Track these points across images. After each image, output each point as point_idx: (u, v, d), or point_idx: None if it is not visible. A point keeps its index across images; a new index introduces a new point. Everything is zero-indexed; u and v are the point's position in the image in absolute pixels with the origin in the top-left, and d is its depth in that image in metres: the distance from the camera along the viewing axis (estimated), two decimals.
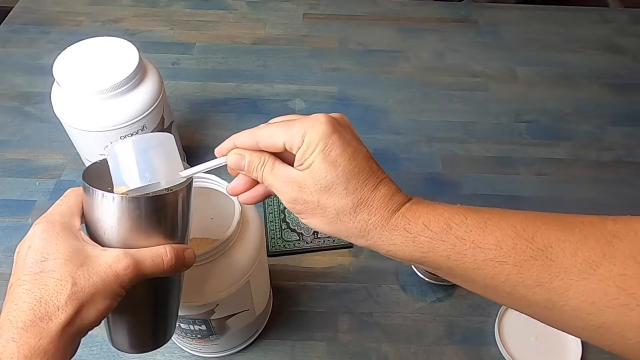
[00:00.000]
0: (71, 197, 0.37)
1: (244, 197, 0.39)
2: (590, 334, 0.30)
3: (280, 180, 0.35)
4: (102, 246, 0.35)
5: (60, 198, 0.37)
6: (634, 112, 0.91)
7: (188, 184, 0.38)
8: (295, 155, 0.34)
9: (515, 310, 0.33)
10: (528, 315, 0.33)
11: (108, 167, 0.37)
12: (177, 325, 0.52)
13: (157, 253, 0.35)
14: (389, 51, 1.00)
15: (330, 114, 0.35)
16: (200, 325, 0.51)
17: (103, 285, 0.32)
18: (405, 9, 1.11)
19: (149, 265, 0.35)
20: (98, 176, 0.38)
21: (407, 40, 1.03)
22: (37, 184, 0.76)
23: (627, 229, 0.28)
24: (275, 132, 0.35)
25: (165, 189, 0.39)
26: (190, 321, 0.51)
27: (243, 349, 0.61)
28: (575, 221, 0.30)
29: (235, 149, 0.38)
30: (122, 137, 0.61)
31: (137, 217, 0.35)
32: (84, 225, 0.36)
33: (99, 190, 0.34)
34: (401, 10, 1.10)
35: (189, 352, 0.60)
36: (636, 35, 1.06)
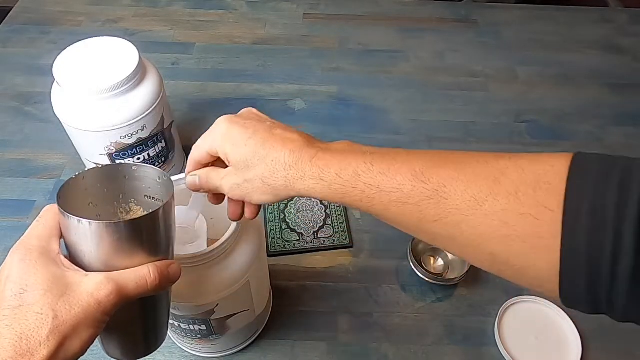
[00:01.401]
0: (49, 217, 0.36)
1: (246, 215, 0.44)
2: (483, 262, 0.34)
3: (218, 180, 0.41)
4: (83, 268, 0.34)
5: (37, 218, 0.36)
6: (634, 112, 0.91)
7: (168, 200, 0.36)
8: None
9: (426, 242, 0.38)
10: (438, 246, 0.39)
11: (84, 182, 0.37)
12: (177, 325, 0.52)
13: (141, 274, 0.35)
14: (389, 51, 1.00)
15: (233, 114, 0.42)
16: (200, 325, 0.51)
17: (85, 315, 0.32)
18: (405, 9, 1.11)
19: (133, 288, 0.34)
20: (75, 194, 0.37)
21: (407, 40, 1.03)
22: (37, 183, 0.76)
23: (515, 165, 0.31)
24: (200, 145, 0.43)
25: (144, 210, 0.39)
26: (190, 321, 0.51)
27: (243, 349, 0.61)
28: (471, 160, 0.33)
29: (189, 174, 0.43)
30: (122, 137, 0.61)
31: (116, 241, 0.34)
32: (64, 244, 0.36)
33: (74, 217, 0.33)
34: (401, 10, 1.10)
35: (189, 352, 0.60)
36: (636, 35, 1.06)
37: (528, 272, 0.31)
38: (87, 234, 0.34)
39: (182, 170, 0.76)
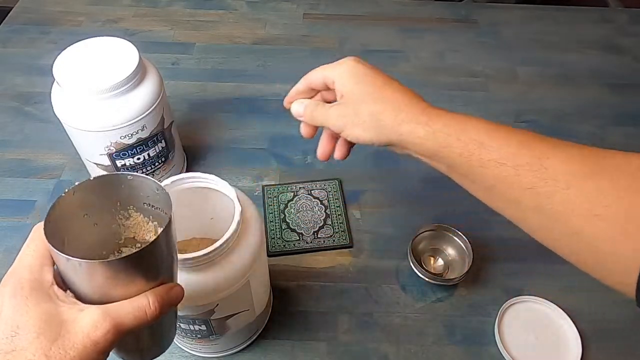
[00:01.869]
0: (39, 241, 0.33)
1: (336, 154, 0.48)
2: (563, 242, 0.34)
3: (324, 113, 0.44)
4: (78, 298, 0.33)
5: (27, 242, 0.34)
6: (634, 112, 0.91)
7: (168, 222, 0.34)
8: (334, 89, 0.44)
9: (503, 213, 0.39)
10: (514, 219, 0.38)
11: (76, 196, 0.35)
12: (177, 325, 0.52)
13: (140, 306, 0.33)
14: (389, 51, 1.00)
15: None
16: (200, 325, 0.51)
17: (81, 357, 0.30)
18: (406, 9, 1.11)
19: (131, 322, 0.32)
20: (67, 209, 0.35)
21: (407, 40, 1.03)
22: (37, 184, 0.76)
23: (612, 154, 0.33)
24: (318, 71, 0.45)
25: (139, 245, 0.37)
26: (190, 321, 0.51)
27: (243, 349, 0.61)
28: (568, 143, 0.35)
29: (295, 100, 0.48)
30: (122, 137, 0.61)
31: (111, 277, 0.32)
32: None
33: (63, 256, 0.31)
34: (401, 10, 1.10)
35: (189, 352, 0.60)
36: (636, 35, 1.06)
37: (610, 259, 0.31)
38: (78, 271, 0.32)
39: (182, 170, 0.76)
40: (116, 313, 0.32)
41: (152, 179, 0.37)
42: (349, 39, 1.02)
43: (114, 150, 0.62)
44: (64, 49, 0.62)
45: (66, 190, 0.35)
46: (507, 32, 1.05)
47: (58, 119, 0.62)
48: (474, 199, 0.79)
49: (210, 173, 0.54)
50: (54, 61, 0.60)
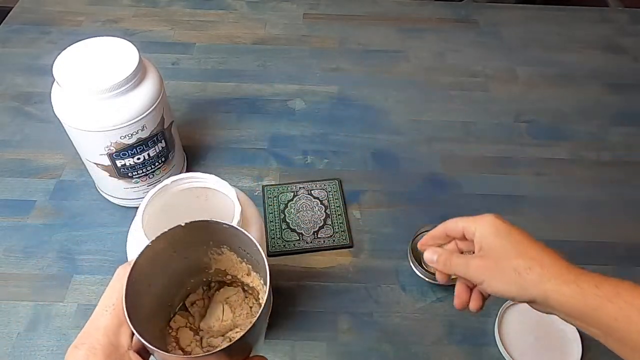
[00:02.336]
0: (119, 296, 0.31)
1: (471, 306, 0.48)
2: None
3: (463, 264, 0.45)
4: None
5: (106, 294, 0.32)
6: (634, 112, 0.91)
7: (266, 302, 0.33)
8: (471, 240, 0.45)
9: None
10: None
11: (160, 245, 0.33)
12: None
13: None
14: (389, 51, 1.00)
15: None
16: None
17: None
18: (405, 9, 1.11)
19: None
20: (156, 250, 0.33)
21: (407, 40, 1.03)
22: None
23: None
24: (456, 221, 0.47)
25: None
26: None
27: None
28: None
29: (430, 247, 0.48)
30: (122, 137, 0.61)
31: None
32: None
33: (158, 350, 0.30)
34: (401, 10, 1.10)
35: None
36: (636, 35, 1.06)
37: None
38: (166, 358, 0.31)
39: (182, 170, 0.76)
40: None
41: (249, 235, 0.36)
42: (349, 39, 1.02)
43: (114, 150, 0.62)
44: (64, 49, 0.62)
45: (155, 237, 0.34)
46: (507, 32, 1.05)
47: (58, 119, 0.62)
48: (474, 199, 0.80)
49: (210, 173, 0.54)
50: (54, 61, 0.60)
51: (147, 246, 0.33)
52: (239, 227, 0.36)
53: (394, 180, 0.79)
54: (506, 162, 0.82)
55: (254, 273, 0.40)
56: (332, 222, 0.72)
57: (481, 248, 0.44)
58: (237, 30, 1.03)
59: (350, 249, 0.70)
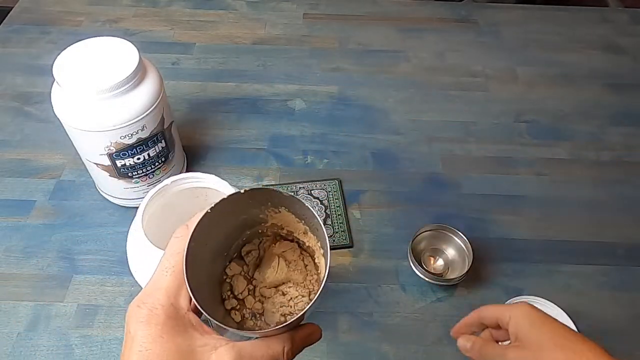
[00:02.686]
0: (180, 258, 0.32)
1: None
2: None
3: (497, 354, 0.45)
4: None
5: (167, 255, 0.32)
6: (634, 112, 0.91)
7: (324, 279, 0.33)
8: (506, 330, 0.45)
9: None
10: None
11: (220, 208, 0.33)
12: None
13: (274, 354, 0.31)
14: (389, 51, 1.00)
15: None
16: None
17: None
18: (405, 9, 1.11)
19: None
20: (210, 224, 0.33)
21: (407, 40, 1.03)
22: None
23: None
24: (490, 309, 0.47)
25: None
26: None
27: None
28: None
29: (463, 335, 0.48)
30: (122, 137, 0.61)
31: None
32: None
33: (212, 320, 0.30)
34: (401, 10, 1.10)
35: None
36: (636, 35, 1.06)
37: None
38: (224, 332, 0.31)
39: (182, 170, 0.76)
40: (249, 358, 0.30)
41: (310, 207, 0.36)
42: (349, 39, 1.02)
43: (114, 150, 0.62)
44: (64, 49, 0.62)
45: (215, 203, 0.34)
46: (507, 32, 1.05)
47: (58, 119, 0.62)
48: (474, 199, 0.80)
49: (210, 173, 0.54)
50: (54, 61, 0.60)
51: (206, 213, 0.33)
52: (299, 198, 0.36)
53: (394, 180, 0.79)
54: (506, 162, 0.82)
55: (311, 234, 0.40)
56: (332, 222, 0.72)
57: (517, 338, 0.44)
58: (237, 30, 1.03)
59: (350, 249, 0.70)
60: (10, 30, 1.01)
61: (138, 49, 0.62)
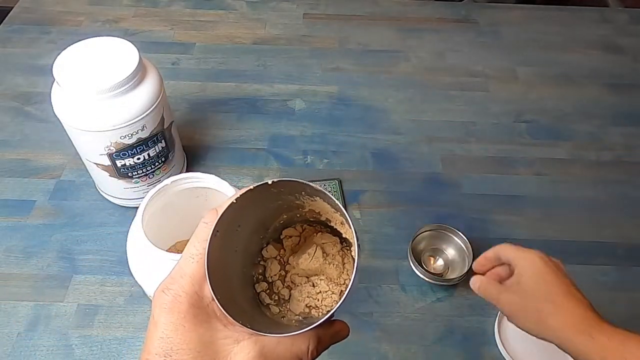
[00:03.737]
0: (206, 245, 0.31)
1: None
2: None
3: (495, 293, 0.49)
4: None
5: (192, 242, 0.31)
6: (634, 112, 0.91)
7: (350, 287, 0.32)
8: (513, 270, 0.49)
9: None
10: None
11: (250, 196, 0.32)
12: None
13: (298, 352, 0.30)
14: (389, 51, 1.00)
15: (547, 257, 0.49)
16: None
17: None
18: (405, 9, 1.11)
19: None
20: (241, 207, 0.33)
21: (407, 40, 1.03)
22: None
23: None
24: (509, 250, 0.50)
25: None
26: None
27: None
28: None
29: (477, 276, 0.53)
30: (122, 137, 0.61)
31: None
32: None
33: (234, 320, 0.29)
34: (401, 10, 1.10)
35: None
36: (636, 35, 1.06)
37: None
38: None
39: (182, 170, 0.76)
40: (273, 355, 0.30)
41: (338, 203, 0.34)
42: (349, 39, 1.02)
43: (114, 150, 0.62)
44: (64, 49, 0.62)
45: (240, 193, 0.33)
46: (507, 32, 1.05)
47: (58, 119, 0.62)
48: (474, 199, 0.80)
49: (210, 173, 0.54)
50: (54, 61, 0.60)
51: (232, 203, 0.32)
52: (329, 193, 0.34)
53: (394, 180, 0.79)
54: (506, 162, 0.82)
55: (347, 226, 0.38)
56: None
57: (518, 282, 0.47)
58: (237, 30, 1.03)
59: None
60: (10, 30, 1.01)
61: (138, 49, 0.62)
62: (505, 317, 0.63)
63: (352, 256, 0.39)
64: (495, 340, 0.62)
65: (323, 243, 0.40)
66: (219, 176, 0.53)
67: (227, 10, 1.08)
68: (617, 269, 0.69)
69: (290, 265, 0.39)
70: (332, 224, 0.40)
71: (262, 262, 0.39)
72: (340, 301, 0.31)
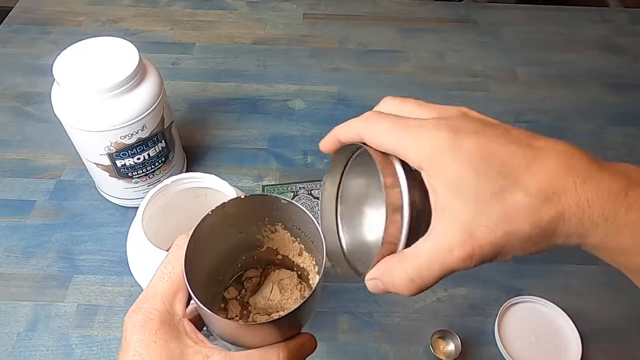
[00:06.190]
0: (177, 266, 0.32)
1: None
2: None
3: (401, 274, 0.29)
4: (207, 329, 0.32)
5: (165, 263, 0.32)
6: (634, 112, 0.91)
7: (316, 286, 0.32)
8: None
9: None
10: None
11: (225, 210, 0.34)
12: None
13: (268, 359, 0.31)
14: (389, 51, 1.00)
15: (448, 115, 0.31)
16: None
17: None
18: (405, 9, 1.11)
19: None
20: (213, 221, 0.34)
21: (407, 40, 1.03)
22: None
23: None
24: (385, 135, 0.29)
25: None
26: None
27: None
28: None
29: (372, 278, 0.29)
30: (122, 137, 0.61)
31: (248, 333, 0.31)
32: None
33: (208, 311, 0.30)
34: (401, 10, 1.10)
35: None
36: (636, 35, 1.06)
37: None
38: (219, 326, 0.31)
39: (182, 170, 0.76)
40: None
41: (309, 213, 0.35)
42: (349, 39, 1.02)
43: (114, 150, 0.62)
44: (64, 49, 0.62)
45: (215, 206, 0.34)
46: (507, 32, 1.05)
47: (58, 119, 0.62)
48: None
49: (210, 173, 0.54)
50: (54, 61, 0.60)
51: (207, 215, 0.34)
52: (297, 204, 0.36)
53: None
54: None
55: (306, 253, 0.40)
56: None
57: (436, 186, 0.27)
58: (237, 30, 1.03)
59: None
60: (10, 30, 1.01)
61: (138, 49, 0.62)
62: (505, 317, 0.63)
63: (309, 285, 0.40)
64: (495, 340, 0.62)
65: (280, 280, 0.41)
66: (219, 176, 0.53)
67: (227, 10, 1.08)
68: (617, 269, 0.69)
69: (251, 306, 0.40)
70: (289, 257, 0.41)
71: (222, 305, 0.40)
72: (302, 301, 0.31)
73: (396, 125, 0.28)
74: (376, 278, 0.28)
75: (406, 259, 0.27)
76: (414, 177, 0.28)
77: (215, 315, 0.30)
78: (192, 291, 0.31)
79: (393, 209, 0.27)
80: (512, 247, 0.26)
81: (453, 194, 0.26)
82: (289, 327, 0.32)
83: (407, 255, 0.27)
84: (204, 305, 0.30)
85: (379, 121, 0.29)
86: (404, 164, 0.29)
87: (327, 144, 0.35)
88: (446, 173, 0.26)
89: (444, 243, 0.26)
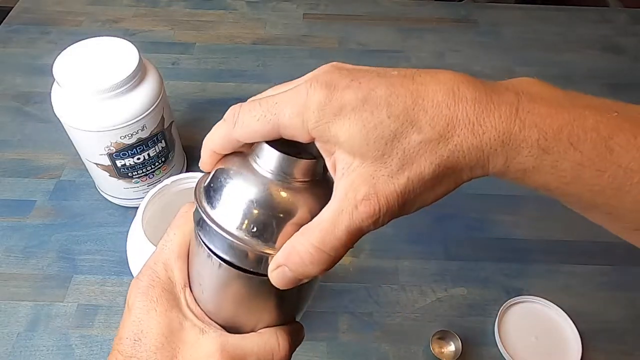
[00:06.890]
0: (179, 232, 0.31)
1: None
2: None
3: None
4: (199, 304, 0.31)
5: (171, 227, 0.32)
6: None
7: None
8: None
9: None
10: None
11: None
12: None
13: (267, 349, 0.29)
14: (389, 51, 1.00)
15: (317, 73, 0.28)
16: None
17: None
18: (405, 9, 1.11)
19: None
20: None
21: (407, 40, 1.03)
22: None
23: None
24: (254, 124, 0.28)
25: None
26: None
27: None
28: None
29: (276, 266, 0.26)
30: (122, 137, 0.61)
31: (245, 295, 0.29)
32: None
33: (205, 247, 0.28)
34: (401, 10, 1.10)
35: None
36: (636, 35, 1.06)
37: None
38: (214, 274, 0.29)
39: (182, 170, 0.76)
40: (237, 350, 0.29)
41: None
42: (349, 39, 1.02)
43: (114, 150, 0.62)
44: (64, 49, 0.62)
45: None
46: (507, 32, 1.05)
47: (58, 119, 0.62)
48: (474, 199, 0.79)
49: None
50: (54, 61, 0.60)
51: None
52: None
53: None
54: None
55: None
56: None
57: (341, 156, 0.25)
58: (237, 30, 1.03)
59: (350, 249, 0.70)
60: (10, 30, 1.01)
61: (138, 49, 0.62)
62: (505, 317, 0.63)
63: None
64: (495, 340, 0.62)
65: None
66: None
67: (227, 10, 1.08)
68: (617, 269, 0.69)
69: None
70: None
71: None
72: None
73: (262, 106, 0.27)
74: (281, 264, 0.26)
75: (309, 230, 0.25)
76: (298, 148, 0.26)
77: (210, 253, 0.27)
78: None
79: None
80: (418, 193, 0.24)
81: (348, 154, 0.24)
82: (290, 301, 0.31)
83: (309, 226, 0.25)
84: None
85: (243, 112, 0.28)
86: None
87: (206, 164, 0.34)
88: (334, 134, 0.24)
89: (346, 202, 0.24)
